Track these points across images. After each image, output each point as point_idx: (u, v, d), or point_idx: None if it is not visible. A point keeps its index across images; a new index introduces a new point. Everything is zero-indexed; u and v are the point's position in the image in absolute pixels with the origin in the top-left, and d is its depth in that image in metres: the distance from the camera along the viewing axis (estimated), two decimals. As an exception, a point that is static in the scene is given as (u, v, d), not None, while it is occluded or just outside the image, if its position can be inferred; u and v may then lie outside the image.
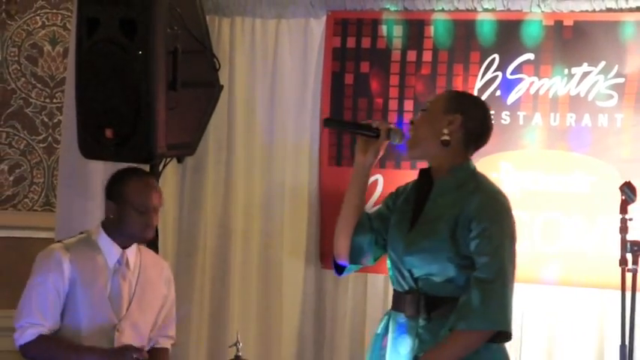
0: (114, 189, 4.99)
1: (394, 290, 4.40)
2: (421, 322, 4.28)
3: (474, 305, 4.16)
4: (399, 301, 4.38)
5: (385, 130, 4.33)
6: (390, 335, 4.38)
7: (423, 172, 4.39)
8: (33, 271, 4.97)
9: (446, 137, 4.27)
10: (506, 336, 4.22)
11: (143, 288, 5.06)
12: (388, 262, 4.40)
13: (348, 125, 4.56)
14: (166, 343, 5.17)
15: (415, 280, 4.31)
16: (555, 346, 5.44)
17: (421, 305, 4.29)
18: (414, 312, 4.30)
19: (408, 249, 4.31)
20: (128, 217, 4.95)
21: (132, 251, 5.04)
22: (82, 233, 5.10)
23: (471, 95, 4.55)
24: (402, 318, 4.34)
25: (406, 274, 4.33)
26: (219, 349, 5.69)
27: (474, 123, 4.31)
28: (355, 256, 4.47)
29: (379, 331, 4.45)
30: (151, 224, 4.98)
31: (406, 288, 4.34)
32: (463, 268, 4.25)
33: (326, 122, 4.55)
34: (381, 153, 4.38)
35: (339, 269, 4.54)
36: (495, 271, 4.19)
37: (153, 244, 5.38)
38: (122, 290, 5.00)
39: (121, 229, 4.97)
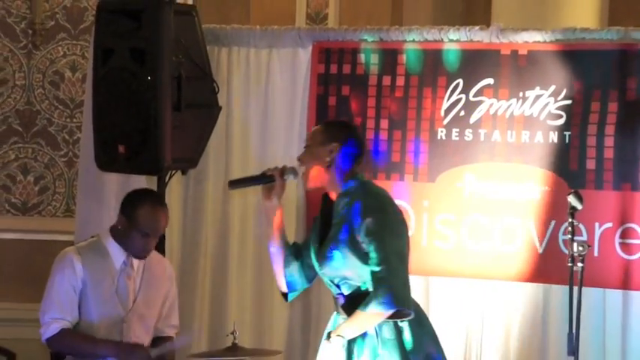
0: (128, 207, 4.99)
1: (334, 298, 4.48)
2: (340, 320, 4.39)
3: (371, 293, 4.26)
4: (335, 303, 4.48)
5: (278, 174, 4.41)
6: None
7: (324, 196, 4.47)
8: (51, 273, 5.00)
9: (327, 159, 4.36)
10: (404, 314, 4.30)
11: (148, 284, 5.06)
12: None
13: (248, 181, 4.62)
14: (171, 332, 5.17)
15: (337, 285, 4.39)
16: (512, 334, 5.42)
17: (339, 305, 4.40)
18: (345, 311, 4.39)
19: (320, 262, 4.39)
20: (132, 237, 4.95)
21: None
22: (93, 237, 5.10)
23: (341, 123, 4.70)
24: (340, 317, 4.43)
25: (329, 282, 4.43)
26: (218, 337, 5.66)
27: (351, 146, 4.41)
28: (291, 285, 4.57)
29: (328, 328, 4.50)
30: (149, 248, 4.99)
31: (335, 293, 4.43)
32: (360, 262, 4.31)
33: (230, 185, 4.63)
34: (282, 192, 4.45)
35: (285, 297, 4.61)
36: (380, 262, 4.25)
37: (160, 246, 5.38)
38: (128, 287, 5.00)
39: (124, 242, 4.97)
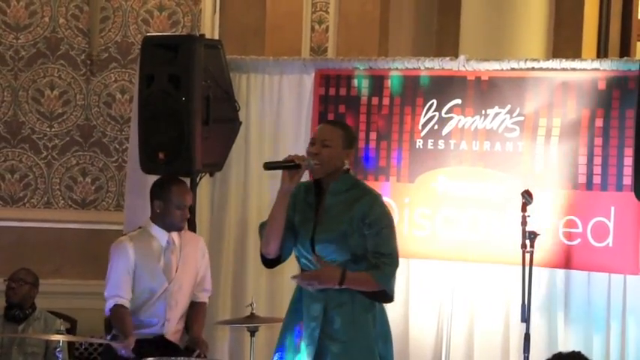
0: (159, 191, 5.06)
1: (303, 270, 4.32)
2: (330, 292, 4.20)
3: (384, 270, 4.19)
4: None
5: (304, 163, 4.21)
6: (304, 301, 4.30)
7: (316, 182, 4.32)
8: (110, 258, 5.06)
9: (347, 166, 4.29)
10: (390, 298, 4.28)
11: (185, 258, 5.12)
12: (296, 252, 4.33)
13: (281, 164, 4.31)
14: (204, 297, 5.22)
15: (322, 263, 4.23)
16: (476, 306, 5.40)
17: None
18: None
19: (316, 240, 4.23)
20: (170, 212, 5.02)
21: (175, 233, 5.09)
22: (140, 227, 5.15)
23: (350, 128, 4.54)
24: (314, 291, 4.25)
25: (314, 259, 4.25)
26: (239, 308, 5.64)
27: (355, 148, 4.41)
28: (284, 256, 4.35)
29: (294, 298, 4.36)
30: (186, 217, 5.06)
31: (313, 269, 4.27)
32: (357, 250, 4.21)
33: (265, 166, 4.37)
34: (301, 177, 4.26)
35: (270, 264, 4.39)
36: (390, 249, 4.23)
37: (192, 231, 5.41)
38: (171, 261, 5.08)
39: (165, 221, 5.01)
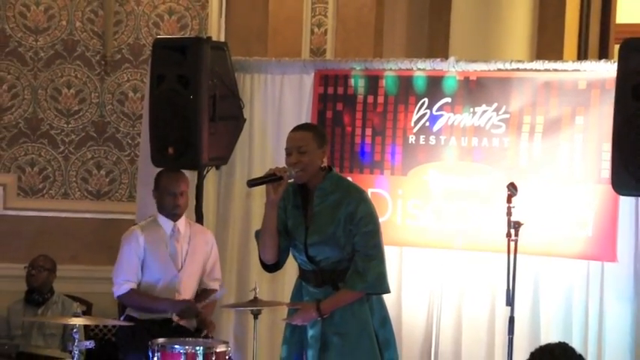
0: (155, 182, 5.12)
1: (301, 267, 4.31)
2: (328, 290, 4.19)
3: (359, 274, 4.12)
4: (306, 276, 4.28)
5: (286, 175, 4.13)
6: (304, 291, 4.30)
7: (301, 186, 4.23)
8: (122, 246, 5.10)
9: (324, 160, 4.21)
10: (383, 293, 4.23)
11: (193, 249, 5.14)
12: (292, 253, 4.33)
13: (264, 179, 4.19)
14: (215, 285, 5.25)
15: (317, 262, 4.20)
16: (464, 291, 5.42)
17: (325, 279, 4.20)
18: (318, 284, 4.23)
19: (308, 245, 4.19)
20: (163, 199, 5.06)
21: (181, 223, 5.13)
22: (150, 217, 5.20)
23: (319, 126, 4.43)
24: (311, 287, 4.26)
25: (307, 261, 4.23)
26: (243, 292, 5.67)
27: (327, 146, 4.31)
28: (282, 261, 4.35)
29: (295, 291, 4.38)
30: (178, 204, 5.06)
31: (310, 268, 4.24)
32: (349, 248, 4.16)
33: (248, 184, 4.22)
34: (285, 187, 4.17)
35: (269, 269, 4.37)
36: (372, 249, 4.14)
37: (199, 223, 5.43)
38: (177, 250, 5.10)
39: (162, 208, 5.07)
